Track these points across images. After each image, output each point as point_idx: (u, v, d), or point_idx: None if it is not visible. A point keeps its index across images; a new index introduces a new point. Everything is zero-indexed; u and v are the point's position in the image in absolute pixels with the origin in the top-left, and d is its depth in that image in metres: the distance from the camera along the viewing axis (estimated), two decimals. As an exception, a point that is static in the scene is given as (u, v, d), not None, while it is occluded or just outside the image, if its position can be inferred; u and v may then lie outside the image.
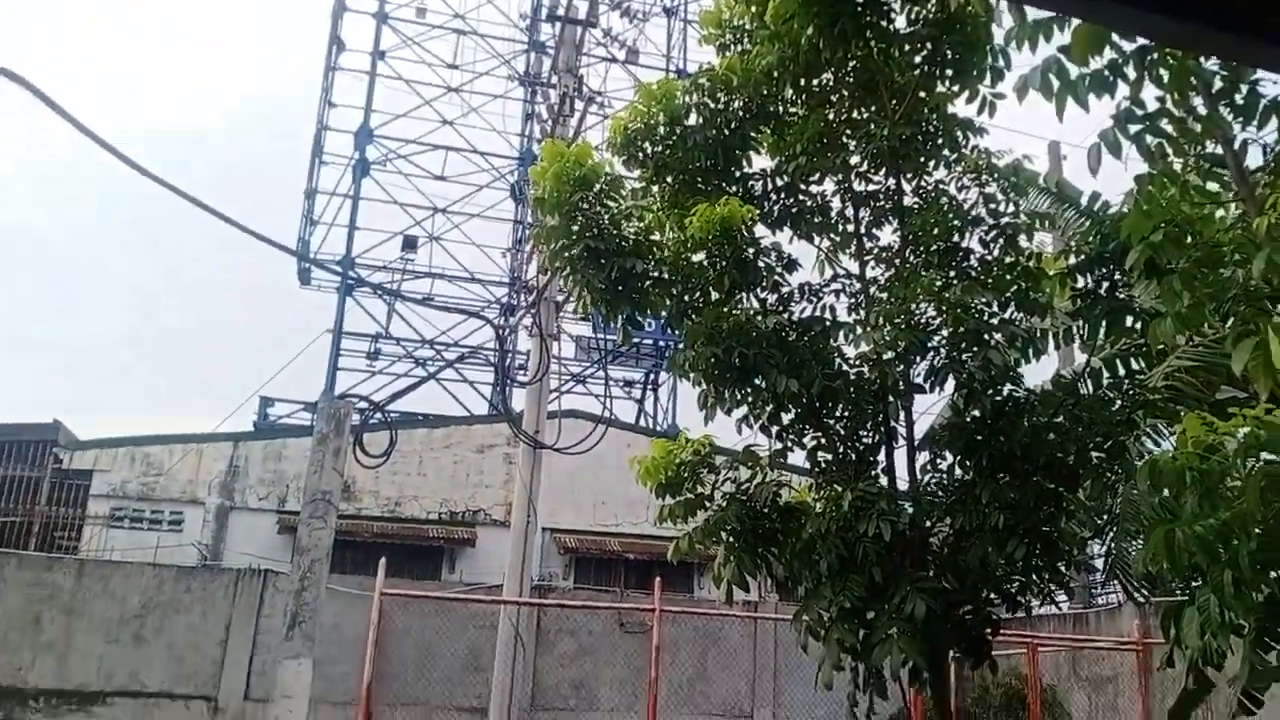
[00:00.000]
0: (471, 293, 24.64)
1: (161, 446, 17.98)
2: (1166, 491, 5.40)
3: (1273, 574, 5.14)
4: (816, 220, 7.27)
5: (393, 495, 18.62)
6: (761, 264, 7.07)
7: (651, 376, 26.78)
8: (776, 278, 7.08)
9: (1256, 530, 4.88)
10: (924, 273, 6.45)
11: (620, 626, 15.60)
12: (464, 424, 19.83)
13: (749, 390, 6.88)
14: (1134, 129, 4.76)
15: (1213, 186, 5.13)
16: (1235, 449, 4.78)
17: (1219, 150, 5.22)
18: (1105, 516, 7.28)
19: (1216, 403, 6.35)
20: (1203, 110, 4.93)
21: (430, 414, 22.01)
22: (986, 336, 6.45)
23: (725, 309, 6.67)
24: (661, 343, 23.24)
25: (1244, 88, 4.85)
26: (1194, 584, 5.48)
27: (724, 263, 6.84)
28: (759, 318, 6.78)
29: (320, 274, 23.88)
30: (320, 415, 14.40)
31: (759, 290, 7.13)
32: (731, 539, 6.91)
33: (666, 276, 6.97)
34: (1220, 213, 4.97)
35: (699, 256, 7.05)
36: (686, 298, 7.01)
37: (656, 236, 7.22)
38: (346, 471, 14.64)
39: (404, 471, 18.64)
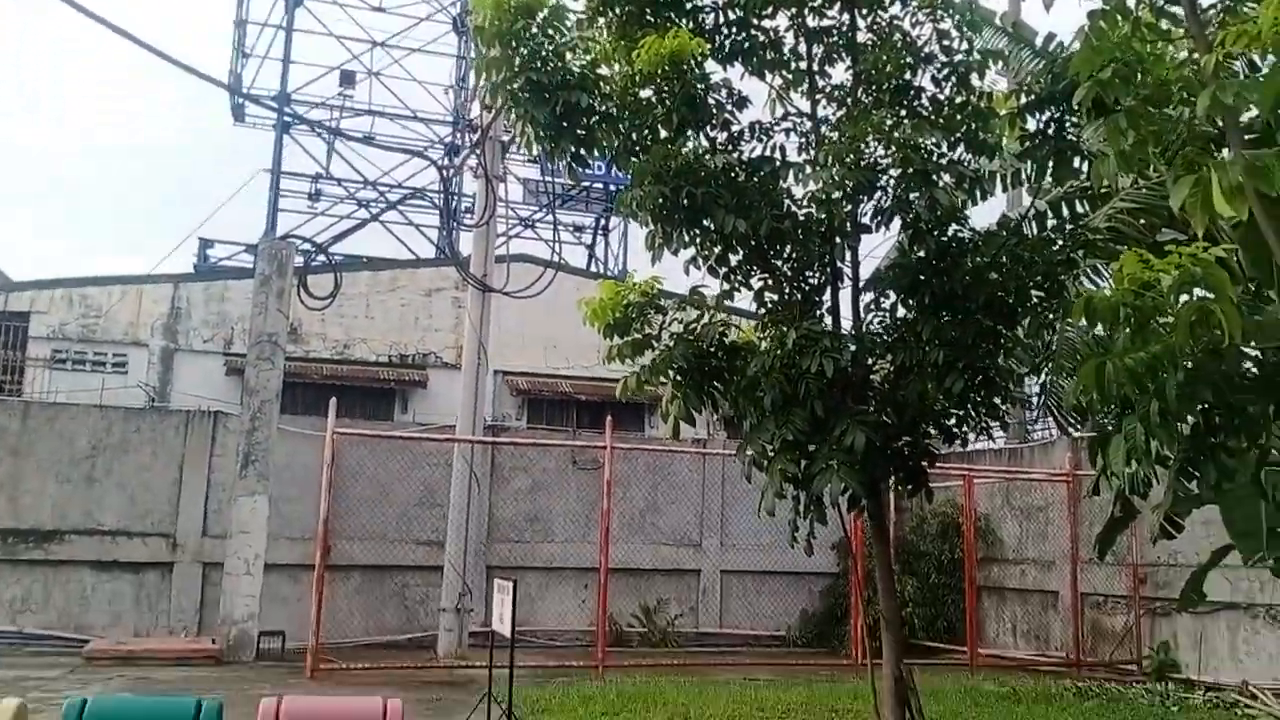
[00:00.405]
0: (414, 132, 23.85)
1: (100, 288, 17.57)
2: (1101, 327, 5.55)
3: (1198, 405, 5.35)
4: (769, 56, 7.05)
5: (341, 338, 18.54)
6: (711, 101, 6.88)
7: (601, 221, 26.49)
8: (726, 115, 6.92)
9: (1185, 364, 5.05)
10: (875, 111, 6.35)
11: (573, 464, 16.01)
12: (410, 267, 19.57)
13: (697, 231, 6.83)
14: (1091, -41, 4.63)
15: (1165, 25, 5.02)
16: (1169, 285, 4.88)
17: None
18: (1042, 353, 7.47)
19: (1156, 244, 6.43)
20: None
21: (375, 257, 21.69)
22: (935, 177, 6.42)
23: (673, 147, 6.52)
24: (611, 186, 22.86)
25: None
26: (1122, 415, 5.71)
27: (673, 99, 6.65)
28: (708, 156, 6.65)
29: (256, 111, 22.87)
30: (261, 256, 14.13)
31: (708, 128, 6.97)
32: (678, 377, 7.01)
33: (613, 112, 6.77)
34: (1170, 51, 4.90)
35: (647, 92, 6.84)
36: (634, 135, 6.84)
37: (603, 70, 6.97)
38: (292, 314, 14.56)
39: (351, 314, 18.49)
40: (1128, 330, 5.16)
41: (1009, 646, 15.10)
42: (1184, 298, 5.01)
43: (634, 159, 6.71)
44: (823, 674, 12.67)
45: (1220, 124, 4.76)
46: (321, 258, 14.76)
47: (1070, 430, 10.61)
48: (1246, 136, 4.89)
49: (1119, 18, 4.58)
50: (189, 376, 17.49)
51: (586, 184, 23.84)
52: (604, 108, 6.75)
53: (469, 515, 13.91)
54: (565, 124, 6.70)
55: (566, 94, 6.57)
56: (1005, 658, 14.37)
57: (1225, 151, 4.85)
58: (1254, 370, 5.60)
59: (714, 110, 6.84)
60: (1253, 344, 5.09)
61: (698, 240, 6.90)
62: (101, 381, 16.94)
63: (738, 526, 16.32)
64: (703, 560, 16.43)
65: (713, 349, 7.07)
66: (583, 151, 6.90)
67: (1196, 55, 4.62)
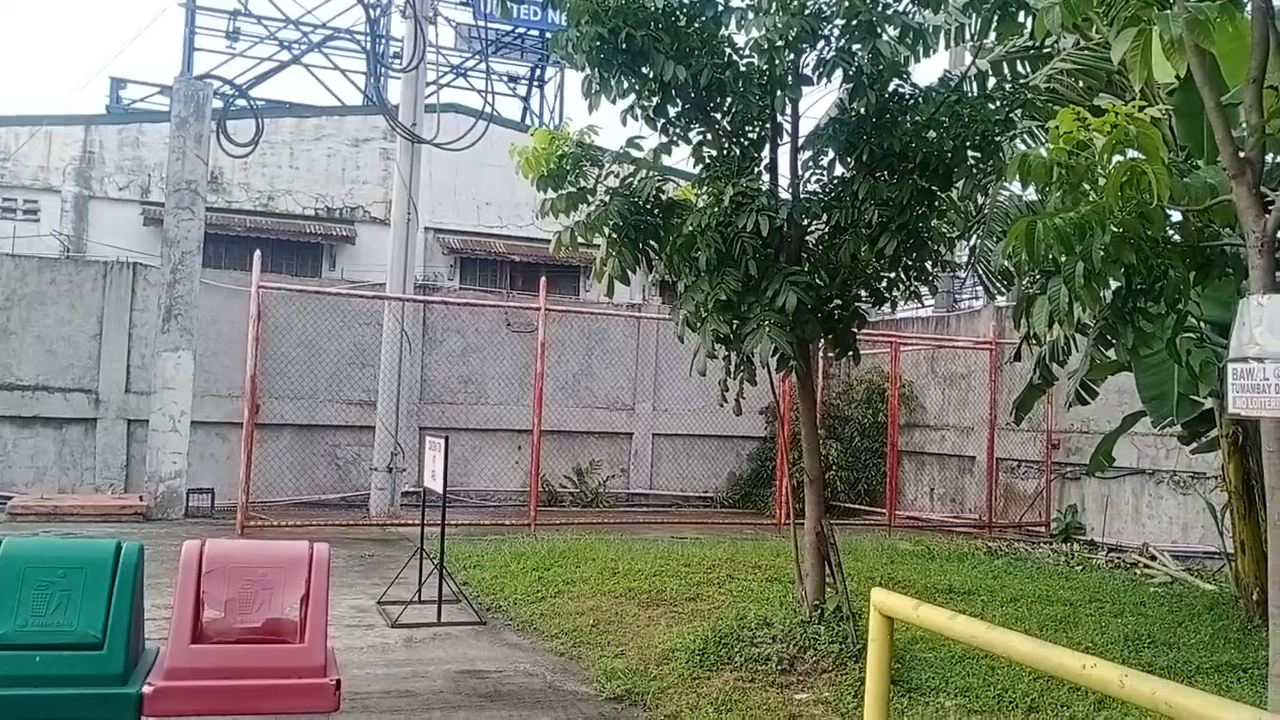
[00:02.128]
0: (339, -35, 22.48)
1: (4, 129, 16.57)
2: (1034, 189, 5.55)
3: (1122, 268, 5.42)
4: (716, -110, 6.67)
5: (264, 189, 17.85)
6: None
7: (537, 71, 25.55)
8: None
9: (1112, 226, 5.08)
10: (822, -46, 6.09)
11: (507, 325, 15.90)
12: (336, 114, 18.73)
13: (635, 79, 6.59)
14: None
15: None
16: (1103, 146, 4.86)
17: None
18: (974, 216, 7.50)
19: (1094, 107, 6.39)
20: None
21: (299, 103, 20.72)
22: (879, 28, 6.24)
23: (611, -15, 6.20)
24: (548, 34, 21.97)
25: None
26: (1048, 280, 5.78)
27: (612, -67, 6.30)
28: (647, -2, 6.36)
29: (168, -62, 21.28)
30: (177, 97, 13.37)
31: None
32: (613, 234, 6.87)
33: (549, -55, 6.40)
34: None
35: (586, -76, 6.47)
36: (571, -30, 6.48)
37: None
38: (212, 160, 13.91)
39: (274, 164, 17.77)
40: (1060, 191, 5.17)
41: (926, 509, 15.74)
42: (1116, 159, 5.02)
43: (570, -2, 6.37)
44: (748, 533, 13.08)
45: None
46: (242, 101, 13.98)
47: (997, 296, 10.78)
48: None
49: None
50: (105, 225, 16.77)
51: (522, 30, 22.87)
52: (539, -61, 6.37)
53: (400, 375, 13.80)
54: (498, -46, 6.33)
55: (500, -78, 6.19)
56: (922, 519, 14.98)
57: (1170, 9, 4.75)
58: (1177, 235, 5.67)
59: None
60: (1180, 207, 5.12)
61: (636, 88, 6.66)
62: (13, 229, 16.17)
63: (670, 391, 16.50)
64: (635, 423, 16.65)
65: (649, 205, 6.93)
66: (517, -13, 6.55)
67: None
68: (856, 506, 15.30)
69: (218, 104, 13.75)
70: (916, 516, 15.17)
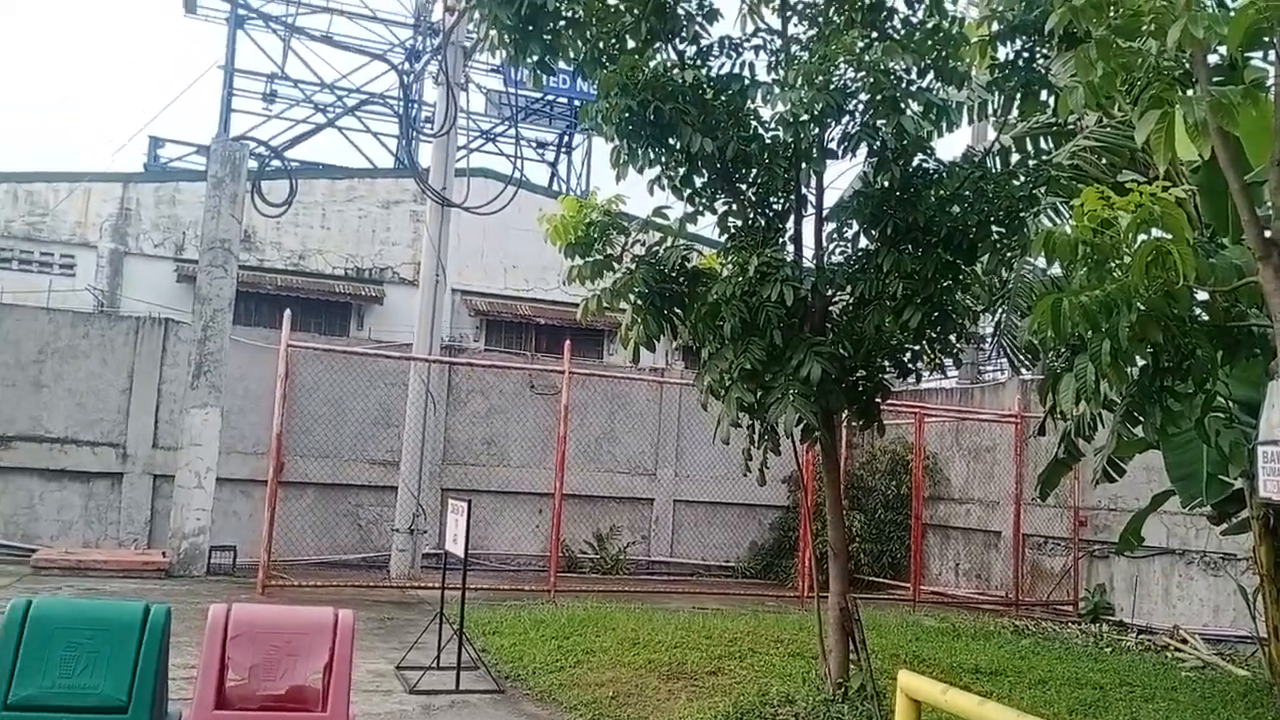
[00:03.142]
0: (374, 33, 23.07)
1: (46, 184, 17.01)
2: (1059, 266, 5.55)
3: (1148, 347, 5.39)
4: (742, -32, 6.85)
5: (296, 248, 18.16)
6: (681, 11, 6.71)
7: (565, 138, 25.99)
8: (696, 28, 6.74)
9: (1138, 304, 5.07)
10: (846, 32, 6.21)
11: (531, 388, 15.94)
12: (368, 176, 19.11)
13: (663, 150, 6.71)
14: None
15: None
16: (1128, 224, 4.87)
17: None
18: (999, 290, 7.51)
19: (1117, 184, 6.42)
20: None
21: (332, 165, 21.15)
22: (903, 104, 6.32)
23: (642, 58, 6.35)
24: (576, 101, 22.41)
25: None
26: (1074, 356, 5.75)
27: (642, 7, 6.48)
28: (676, 71, 6.50)
29: (209, 2, 21.90)
30: (214, 157, 13.71)
31: (678, 41, 6.80)
32: (639, 301, 6.93)
33: (581, 18, 6.57)
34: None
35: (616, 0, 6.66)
36: (601, 43, 6.65)
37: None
38: (246, 219, 14.20)
39: (307, 224, 18.11)
40: (1085, 268, 5.18)
41: (951, 584, 15.45)
42: (1141, 238, 5.03)
43: (601, 69, 6.53)
44: (769, 605, 12.88)
45: (1189, 60, 4.70)
46: (276, 162, 14.30)
47: (1021, 370, 10.72)
48: (1215, 79, 4.84)
49: (1098, -58, 4.48)
50: (139, 281, 17.09)
51: (551, 97, 23.30)
52: (571, 12, 6.54)
53: (424, 436, 13.84)
54: (530, 27, 6.50)
55: (533, -6, 6.36)
56: (947, 595, 14.70)
57: (1192, 91, 4.80)
58: (1204, 315, 5.64)
59: (684, 21, 6.67)
60: (1206, 287, 5.10)
61: (663, 159, 6.78)
62: (49, 283, 16.51)
63: (693, 457, 16.42)
64: (657, 489, 16.55)
65: (674, 273, 7.00)
66: (548, 58, 6.71)
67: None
68: (880, 580, 15.05)
69: (253, 164, 14.07)
70: (941, 592, 14.89)
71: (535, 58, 6.62)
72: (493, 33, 6.50)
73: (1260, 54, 4.55)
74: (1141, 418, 6.32)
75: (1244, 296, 5.18)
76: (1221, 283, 5.08)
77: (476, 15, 6.59)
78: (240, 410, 13.97)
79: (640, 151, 6.62)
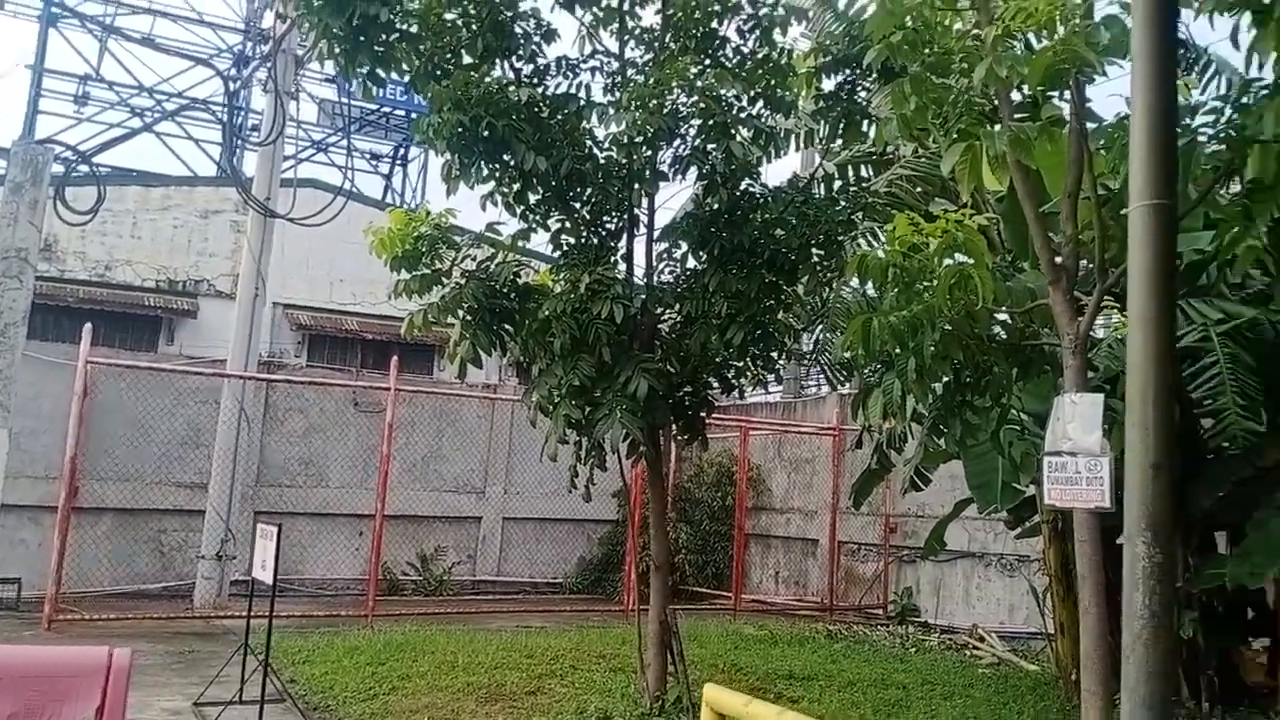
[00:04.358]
0: (200, 37, 21.90)
1: None
2: (872, 287, 5.90)
3: (950, 364, 5.79)
4: (580, -10, 6.95)
5: (102, 258, 16.93)
6: (519, 30, 6.74)
7: (401, 151, 25.44)
8: (534, 47, 6.79)
9: (942, 324, 5.44)
10: (681, 58, 6.40)
11: (354, 405, 15.44)
12: (186, 184, 18.04)
13: (496, 165, 6.70)
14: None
15: (953, -4, 5.34)
16: (934, 249, 5.24)
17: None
18: (818, 310, 7.89)
19: (929, 212, 6.88)
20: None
21: (147, 172, 19.89)
22: (733, 130, 6.57)
23: (477, 74, 6.33)
24: (413, 114, 22.00)
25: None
26: (885, 372, 6.12)
27: (479, 23, 6.47)
28: (512, 88, 6.51)
29: (16, -3, 20.25)
30: (14, 160, 12.62)
31: (514, 59, 6.82)
32: (468, 316, 6.88)
33: (416, 31, 6.49)
34: (958, 22, 5.20)
35: (452, 15, 6.62)
36: (436, 58, 6.59)
37: (406, -15, 6.65)
38: (48, 228, 13.12)
39: (115, 233, 16.92)
40: (895, 290, 5.53)
41: (771, 592, 15.99)
42: (947, 262, 5.41)
43: (434, 83, 6.46)
44: (595, 620, 12.93)
45: (994, 95, 5.12)
46: (84, 167, 13.34)
47: (837, 385, 11.27)
48: (1018, 115, 5.28)
49: (913, -16, 4.82)
50: (-89, 290, 15.49)
51: (388, 109, 22.79)
52: (406, 25, 6.46)
53: (236, 457, 13.16)
54: (362, 38, 6.37)
55: (365, 5, 6.24)
56: (767, 602, 15.20)
57: (997, 126, 5.21)
58: (1002, 334, 6.11)
59: (521, 40, 6.70)
60: (1003, 308, 5.54)
61: (497, 175, 6.78)
62: None
63: (523, 473, 16.32)
64: (485, 507, 16.34)
65: (505, 289, 6.99)
66: (379, 70, 6.59)
67: (980, 28, 4.93)
68: (704, 590, 15.40)
69: (59, 169, 13.06)
70: (762, 600, 15.38)
71: (366, 69, 6.49)
72: (323, 42, 6.32)
73: (1058, 94, 4.98)
74: (945, 430, 6.78)
75: (1037, 317, 5.65)
76: (1017, 304, 5.53)
77: (306, 24, 6.40)
78: (33, 432, 12.86)
79: (473, 167, 6.59)
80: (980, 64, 4.46)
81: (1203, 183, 4.54)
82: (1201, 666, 8.53)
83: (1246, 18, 4.43)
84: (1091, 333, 6.83)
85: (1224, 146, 4.43)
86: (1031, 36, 4.81)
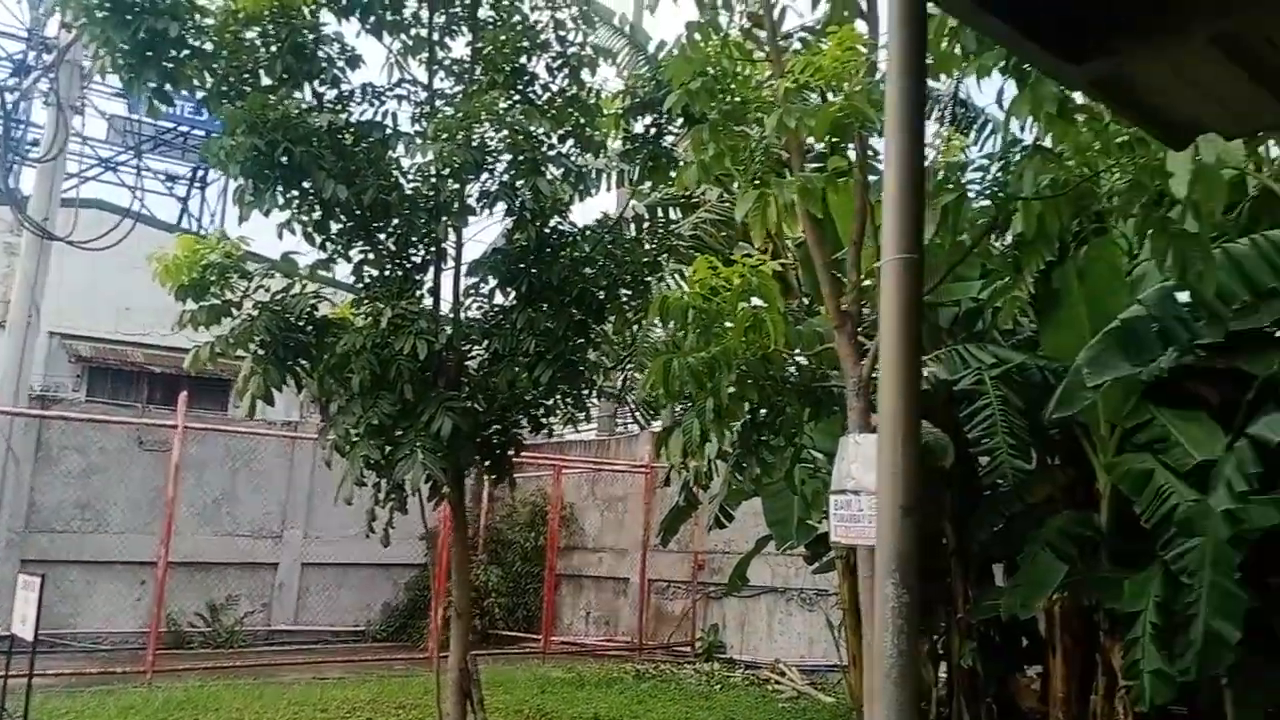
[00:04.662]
0: (-26, 45, 20.12)
1: None
2: (674, 326, 6.01)
3: (747, 405, 5.97)
4: (388, 17, 6.80)
5: None
6: (322, 54, 6.52)
7: (200, 172, 24.14)
8: (337, 72, 6.58)
9: (739, 366, 5.61)
10: (490, 92, 6.36)
11: (139, 444, 14.37)
12: (-54, 202, 16.46)
13: (295, 192, 6.44)
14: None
15: (752, 47, 5.56)
16: (732, 292, 5.41)
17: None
18: (627, 350, 7.97)
19: (729, 258, 7.10)
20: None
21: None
22: (543, 167, 6.56)
23: (275, 97, 6.07)
24: (214, 134, 20.92)
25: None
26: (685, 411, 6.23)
27: (279, 45, 6.22)
28: (313, 113, 6.28)
29: None
30: None
31: (316, 83, 6.59)
32: (260, 350, 6.53)
33: (209, 49, 6.17)
34: (755, 72, 5.42)
35: (251, 34, 6.33)
36: (231, 78, 6.28)
37: (202, 0, 6.33)
38: None
39: None
40: (695, 332, 5.65)
41: (582, 633, 15.91)
42: (743, 306, 5.59)
43: (228, 104, 6.15)
44: (399, 669, 12.47)
45: (789, 144, 5.35)
46: None
47: (644, 424, 11.44)
48: (816, 165, 5.53)
49: (712, 32, 4.99)
50: None
51: (185, 128, 21.59)
52: (199, 42, 6.12)
53: (1, 500, 11.97)
54: (149, 53, 5.98)
55: (153, 19, 5.88)
56: (578, 644, 15.10)
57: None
58: (795, 376, 6.36)
59: (324, 64, 6.48)
60: (795, 351, 5.76)
61: (295, 202, 6.50)
62: None
63: (325, 516, 15.58)
64: (282, 552, 15.50)
65: (302, 322, 6.68)
66: (168, 87, 6.20)
67: (774, 80, 5.15)
68: (515, 634, 15.15)
69: None
70: (573, 641, 15.27)
71: (154, 85, 6.09)
72: (106, 56, 5.91)
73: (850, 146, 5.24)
74: (748, 467, 6.96)
75: (827, 360, 5.90)
76: (808, 347, 5.76)
77: (86, 36, 5.96)
78: None
79: (269, 193, 6.28)
80: (771, 114, 4.65)
81: (974, 235, 4.89)
82: (981, 694, 9.06)
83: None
84: (876, 375, 7.20)
85: (989, 202, 4.79)
86: (830, 94, 5.06)
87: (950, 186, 4.66)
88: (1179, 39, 2.24)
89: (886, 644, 2.36)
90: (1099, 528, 7.61)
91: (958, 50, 4.30)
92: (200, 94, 6.41)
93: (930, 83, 7.45)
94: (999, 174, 4.77)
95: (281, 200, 6.40)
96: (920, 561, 2.45)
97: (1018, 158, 4.62)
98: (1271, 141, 5.69)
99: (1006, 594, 7.78)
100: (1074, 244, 6.06)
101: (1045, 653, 8.53)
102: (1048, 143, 4.48)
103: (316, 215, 6.63)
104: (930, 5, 2.43)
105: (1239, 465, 6.08)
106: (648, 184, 7.12)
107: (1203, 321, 6.09)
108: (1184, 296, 6.05)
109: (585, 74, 6.68)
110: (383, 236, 6.89)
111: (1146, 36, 2.27)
